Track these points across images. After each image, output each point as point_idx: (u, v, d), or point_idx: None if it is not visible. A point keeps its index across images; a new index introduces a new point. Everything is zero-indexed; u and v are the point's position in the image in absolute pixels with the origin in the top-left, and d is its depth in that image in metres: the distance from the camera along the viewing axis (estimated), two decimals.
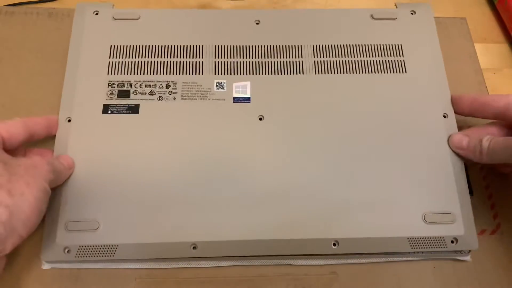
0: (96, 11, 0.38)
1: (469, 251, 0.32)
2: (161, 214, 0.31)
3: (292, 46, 0.37)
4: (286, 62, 0.37)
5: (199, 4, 0.46)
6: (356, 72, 0.36)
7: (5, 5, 0.43)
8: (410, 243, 0.31)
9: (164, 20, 0.38)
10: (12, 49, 0.39)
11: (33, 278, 0.31)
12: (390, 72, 0.37)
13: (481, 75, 0.41)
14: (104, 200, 0.31)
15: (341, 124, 0.34)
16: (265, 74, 0.36)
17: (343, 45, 0.37)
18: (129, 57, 0.36)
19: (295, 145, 0.34)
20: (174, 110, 0.34)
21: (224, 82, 0.36)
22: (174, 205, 0.31)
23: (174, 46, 0.37)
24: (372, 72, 0.36)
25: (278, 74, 0.36)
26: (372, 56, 0.37)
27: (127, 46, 0.36)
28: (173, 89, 0.35)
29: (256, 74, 0.36)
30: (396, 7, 0.40)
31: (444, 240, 0.31)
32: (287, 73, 0.36)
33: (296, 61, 0.37)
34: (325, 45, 0.37)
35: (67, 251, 0.30)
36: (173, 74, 0.36)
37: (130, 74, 0.35)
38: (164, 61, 0.36)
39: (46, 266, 0.31)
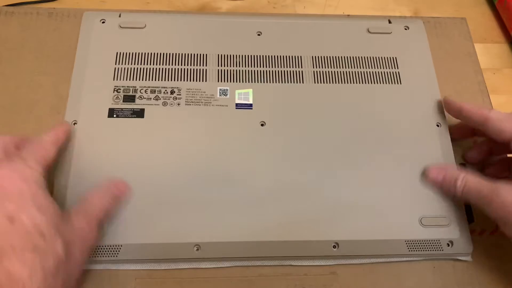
0: (103, 19, 0.39)
1: None
2: (165, 216, 0.32)
3: (292, 56, 0.39)
4: (287, 71, 0.38)
5: (198, 4, 0.46)
6: (353, 82, 0.38)
7: (5, 5, 0.42)
8: (407, 246, 0.32)
9: (169, 29, 0.39)
10: (12, 49, 0.39)
11: None
12: (386, 83, 0.38)
13: (481, 75, 0.41)
14: None
15: (340, 131, 0.36)
16: (267, 82, 0.37)
17: (341, 57, 0.39)
18: (134, 64, 0.37)
19: (295, 149, 0.35)
20: (178, 115, 0.35)
21: (227, 89, 0.37)
22: (177, 207, 0.32)
23: (179, 54, 0.38)
24: (368, 83, 0.38)
25: (279, 82, 0.38)
26: (369, 68, 0.39)
27: (133, 53, 0.37)
28: (177, 94, 0.36)
29: (258, 82, 0.37)
30: (390, 23, 0.42)
31: (440, 242, 0.32)
32: (288, 82, 0.38)
33: (296, 71, 0.38)
34: (324, 57, 0.39)
35: None
36: (177, 80, 0.37)
37: (136, 80, 0.36)
38: (169, 68, 0.37)
39: None
